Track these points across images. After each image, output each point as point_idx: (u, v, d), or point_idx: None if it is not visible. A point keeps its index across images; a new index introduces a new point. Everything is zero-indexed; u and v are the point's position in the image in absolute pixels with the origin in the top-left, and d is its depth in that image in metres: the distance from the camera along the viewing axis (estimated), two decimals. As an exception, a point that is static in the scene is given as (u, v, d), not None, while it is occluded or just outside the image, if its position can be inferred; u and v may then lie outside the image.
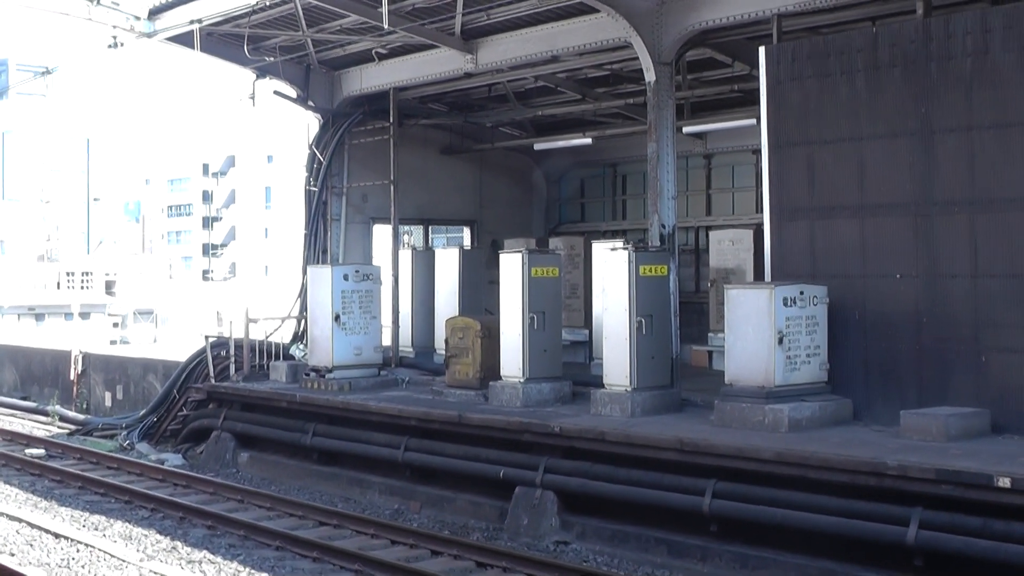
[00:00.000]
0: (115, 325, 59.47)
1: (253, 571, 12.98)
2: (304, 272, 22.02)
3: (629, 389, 15.49)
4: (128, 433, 22.64)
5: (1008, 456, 11.78)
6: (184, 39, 19.31)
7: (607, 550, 13.85)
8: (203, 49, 19.50)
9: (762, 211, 15.85)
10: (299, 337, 22.31)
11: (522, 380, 16.79)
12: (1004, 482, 10.83)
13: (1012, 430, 13.02)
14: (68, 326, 56.06)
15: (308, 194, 22.87)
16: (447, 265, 22.43)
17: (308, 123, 23.10)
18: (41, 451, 21.40)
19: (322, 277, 19.79)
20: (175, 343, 39.31)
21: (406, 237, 24.33)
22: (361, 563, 13.13)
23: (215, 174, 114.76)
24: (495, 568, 13.01)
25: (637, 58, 16.72)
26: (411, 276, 22.89)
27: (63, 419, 25.70)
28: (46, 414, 26.49)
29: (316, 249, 22.54)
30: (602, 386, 15.94)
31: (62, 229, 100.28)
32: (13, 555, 13.49)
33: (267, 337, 22.16)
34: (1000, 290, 13.32)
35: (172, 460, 20.54)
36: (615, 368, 15.76)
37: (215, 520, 15.46)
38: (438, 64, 20.16)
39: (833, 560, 12.03)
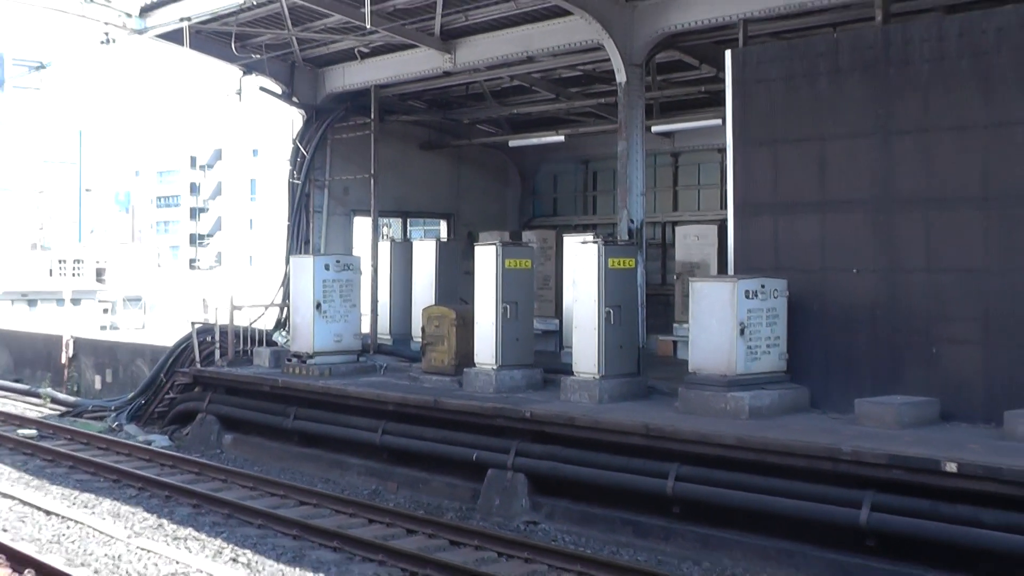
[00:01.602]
0: (105, 311, 59.17)
1: (236, 548, 12.94)
2: (287, 262, 21.95)
3: (597, 376, 15.50)
4: (117, 415, 22.58)
5: (956, 443, 11.86)
6: (174, 36, 19.24)
7: (575, 530, 13.87)
8: (192, 46, 19.44)
9: (726, 207, 15.85)
10: (282, 324, 22.26)
11: (495, 367, 16.77)
12: (951, 467, 10.90)
13: (961, 418, 13.12)
14: (60, 312, 55.70)
15: (291, 187, 22.82)
16: (424, 256, 22.41)
17: (292, 119, 23.05)
18: (33, 432, 21.30)
19: (304, 267, 19.71)
20: (163, 329, 39.17)
21: (385, 229, 24.27)
22: (339, 541, 13.13)
23: (202, 167, 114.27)
24: (468, 546, 13.02)
25: (609, 59, 16.73)
26: (389, 266, 22.87)
27: (54, 401, 25.62)
28: (38, 396, 26.40)
29: (299, 240, 22.50)
30: (572, 373, 15.94)
31: (55, 218, 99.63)
32: (6, 531, 13.49)
33: (251, 324, 22.08)
34: (952, 285, 13.40)
35: (159, 441, 20.46)
36: (584, 356, 15.77)
37: (200, 499, 15.43)
38: (418, 63, 20.14)
39: (790, 540, 12.08)
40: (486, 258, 17.08)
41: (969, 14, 13.61)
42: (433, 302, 20.33)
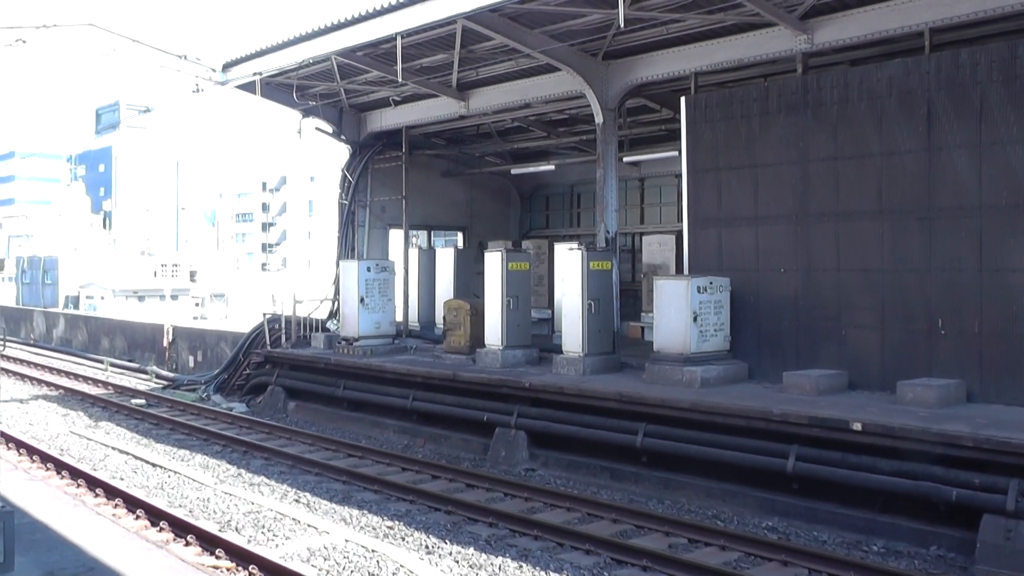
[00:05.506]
0: (196, 304, 59.01)
1: (298, 491, 13.02)
2: (337, 265, 21.97)
3: (582, 354, 15.52)
4: (206, 387, 22.63)
5: (860, 407, 11.88)
6: (248, 87, 19.23)
7: (564, 475, 13.92)
8: (262, 95, 19.46)
9: (682, 221, 15.87)
10: (333, 314, 22.27)
11: (501, 347, 16.81)
12: (857, 426, 10.95)
13: (863, 387, 13.14)
14: (162, 305, 55.60)
15: (341, 206, 22.82)
16: (445, 260, 22.50)
17: (341, 152, 23.06)
18: (142, 400, 21.39)
19: (351, 269, 19.76)
20: (241, 319, 39.16)
21: (414, 239, 24.26)
22: (379, 485, 13.20)
23: (271, 190, 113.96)
24: (480, 488, 13.09)
25: (589, 105, 16.72)
26: (417, 268, 22.90)
27: (158, 376, 25.69)
28: (146, 372, 26.46)
29: (346, 248, 22.51)
30: (561, 352, 15.96)
31: (157, 231, 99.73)
32: (123, 479, 13.56)
33: (309, 314, 22.13)
34: (855, 281, 13.40)
35: (238, 408, 20.51)
36: (571, 338, 15.78)
37: (270, 453, 15.50)
38: (439, 109, 20.10)
39: (733, 483, 12.12)
40: (493, 262, 17.11)
41: (866, 66, 13.59)
42: (452, 296, 20.38)
